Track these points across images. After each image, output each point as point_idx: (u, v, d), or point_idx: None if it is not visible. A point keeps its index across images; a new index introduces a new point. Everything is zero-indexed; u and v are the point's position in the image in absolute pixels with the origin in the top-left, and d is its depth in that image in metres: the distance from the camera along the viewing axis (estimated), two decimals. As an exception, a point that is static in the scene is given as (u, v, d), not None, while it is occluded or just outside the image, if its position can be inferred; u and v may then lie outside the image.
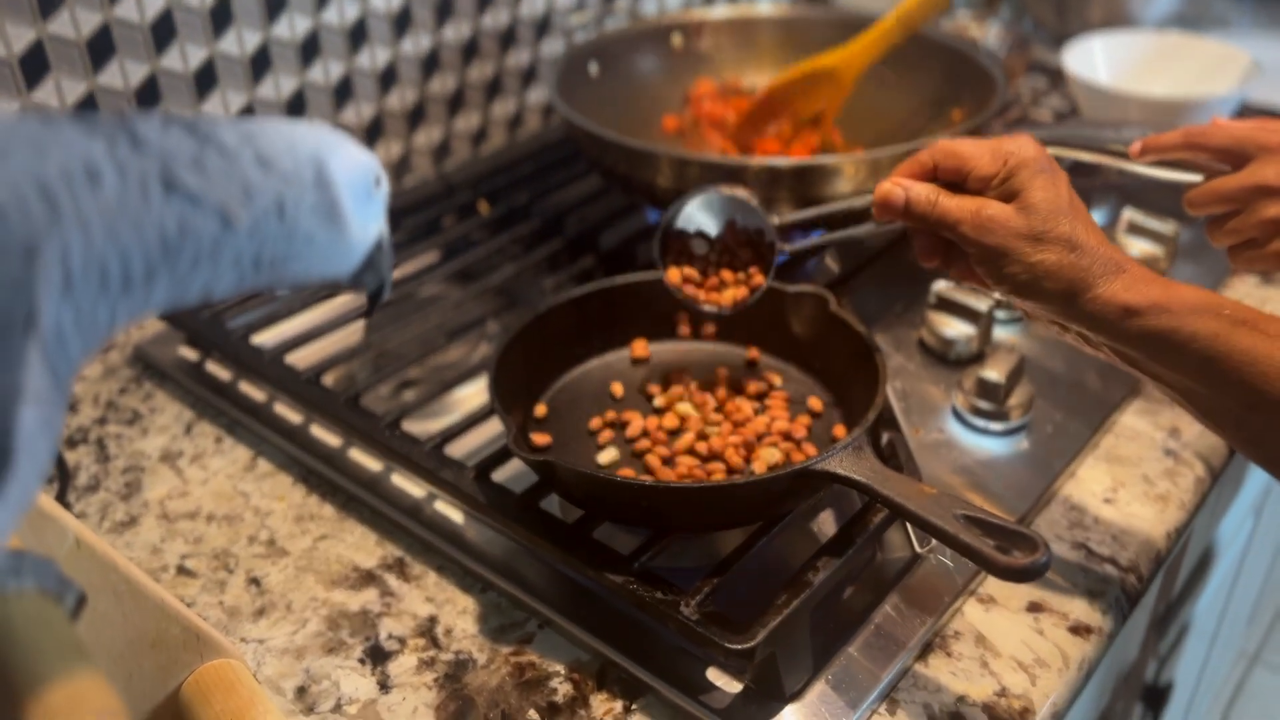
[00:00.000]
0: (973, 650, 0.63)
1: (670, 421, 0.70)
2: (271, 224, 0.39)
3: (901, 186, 0.62)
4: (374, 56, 1.06)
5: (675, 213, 0.72)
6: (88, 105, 0.87)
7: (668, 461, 0.67)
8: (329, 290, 0.86)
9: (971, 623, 0.65)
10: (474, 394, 0.81)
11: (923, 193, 0.61)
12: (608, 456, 0.68)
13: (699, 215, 0.73)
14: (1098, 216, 1.04)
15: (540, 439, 0.69)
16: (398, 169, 1.13)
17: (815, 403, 0.72)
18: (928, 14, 0.98)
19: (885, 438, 0.70)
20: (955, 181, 0.62)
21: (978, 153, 0.61)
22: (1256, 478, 1.08)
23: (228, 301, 0.84)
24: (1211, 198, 0.69)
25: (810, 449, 0.68)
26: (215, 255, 0.38)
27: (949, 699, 0.60)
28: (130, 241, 0.35)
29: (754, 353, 0.76)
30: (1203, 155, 0.69)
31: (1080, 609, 0.66)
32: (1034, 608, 0.66)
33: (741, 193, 0.72)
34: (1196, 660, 1.24)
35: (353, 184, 0.42)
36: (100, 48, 0.86)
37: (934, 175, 0.63)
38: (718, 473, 0.66)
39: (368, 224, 0.44)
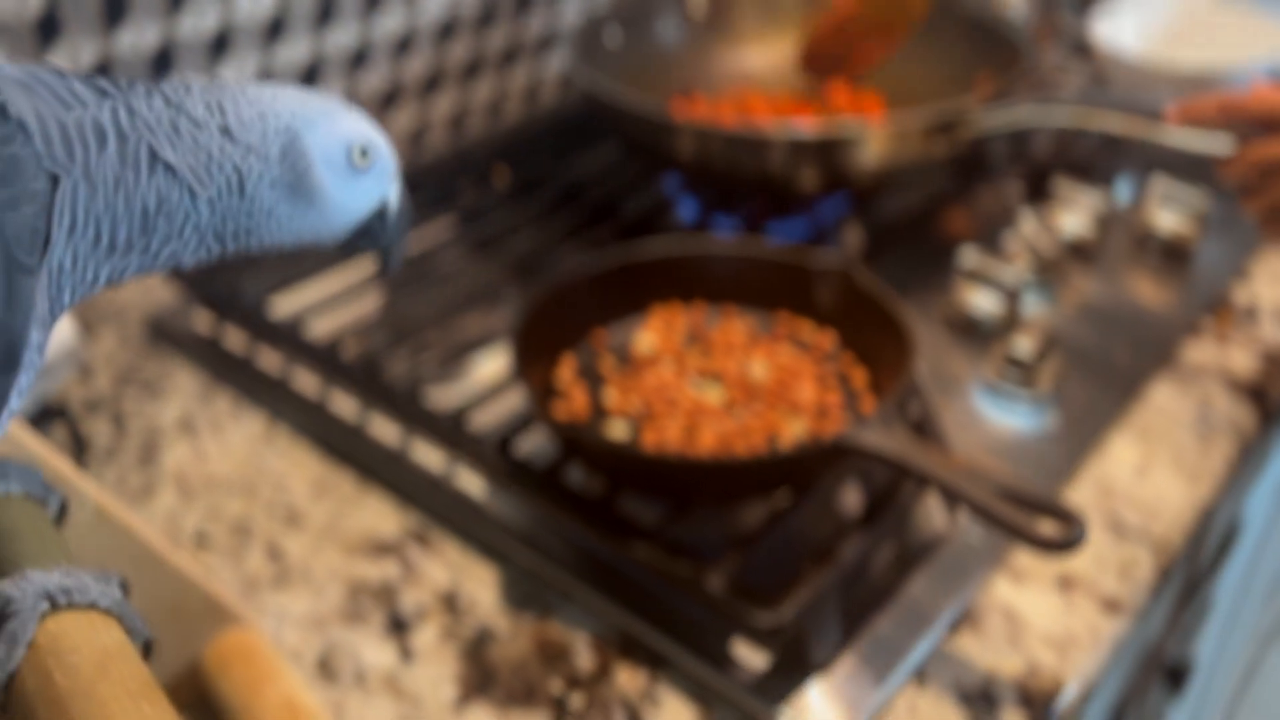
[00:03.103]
0: (1002, 626, 0.62)
1: (694, 392, 0.69)
2: (232, 198, 0.40)
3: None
4: (388, 24, 1.04)
5: None
6: (101, 69, 0.86)
7: (691, 433, 0.66)
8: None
9: (1001, 598, 0.64)
10: (493, 363, 0.80)
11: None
12: (628, 427, 0.67)
13: None
14: (1123, 184, 1.02)
15: (561, 409, 0.68)
16: (414, 139, 1.11)
17: (843, 375, 0.71)
18: None
19: (915, 411, 0.69)
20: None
21: None
22: (1282, 454, 1.06)
23: (243, 268, 0.83)
24: (1246, 167, 0.67)
25: (838, 421, 0.67)
26: (183, 231, 0.39)
27: (978, 675, 0.60)
28: (120, 211, 0.37)
29: (782, 320, 0.75)
30: (1240, 122, 0.67)
31: (1110, 585, 0.65)
32: (1064, 583, 0.65)
33: None
34: (1215, 638, 1.23)
35: (329, 156, 0.42)
36: (116, 10, 0.85)
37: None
38: (742, 445, 0.65)
39: (353, 196, 0.43)
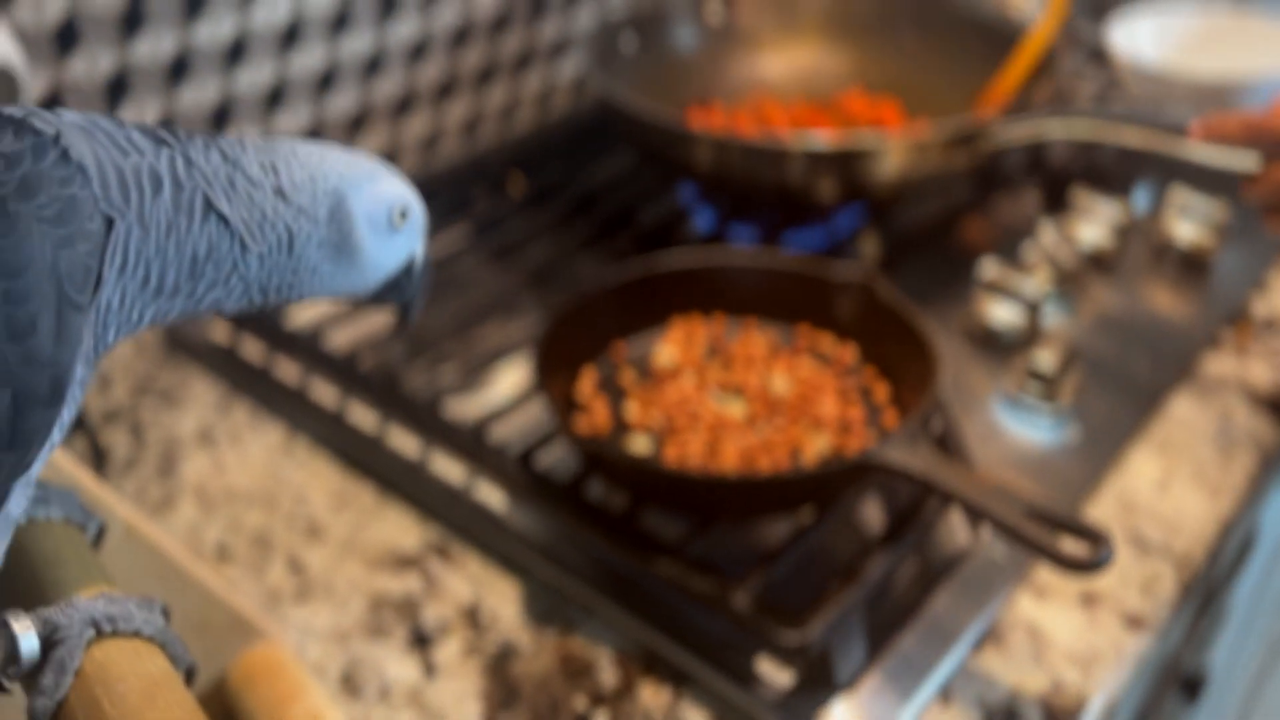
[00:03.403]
0: (1026, 642, 0.62)
1: (716, 406, 0.69)
2: (281, 255, 0.41)
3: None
4: (401, 30, 1.04)
5: None
6: (118, 78, 0.86)
7: (714, 448, 0.66)
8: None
9: (1024, 614, 0.64)
10: (512, 374, 0.79)
11: None
12: (650, 442, 0.67)
13: None
14: (1141, 195, 1.02)
15: (583, 423, 0.68)
16: (427, 145, 1.11)
17: (865, 389, 0.71)
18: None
19: (937, 426, 0.69)
20: None
21: None
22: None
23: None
24: (1272, 189, 0.67)
25: (861, 436, 0.67)
26: (228, 279, 0.40)
27: (1002, 692, 0.60)
28: (170, 255, 0.38)
29: (803, 333, 0.75)
30: (1266, 142, 0.67)
31: (1133, 600, 0.65)
32: (1087, 599, 0.65)
33: None
34: (1228, 647, 1.23)
35: (372, 217, 0.44)
36: (133, 19, 0.85)
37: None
38: (766, 460, 0.65)
39: (388, 253, 0.45)
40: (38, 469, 0.35)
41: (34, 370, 0.33)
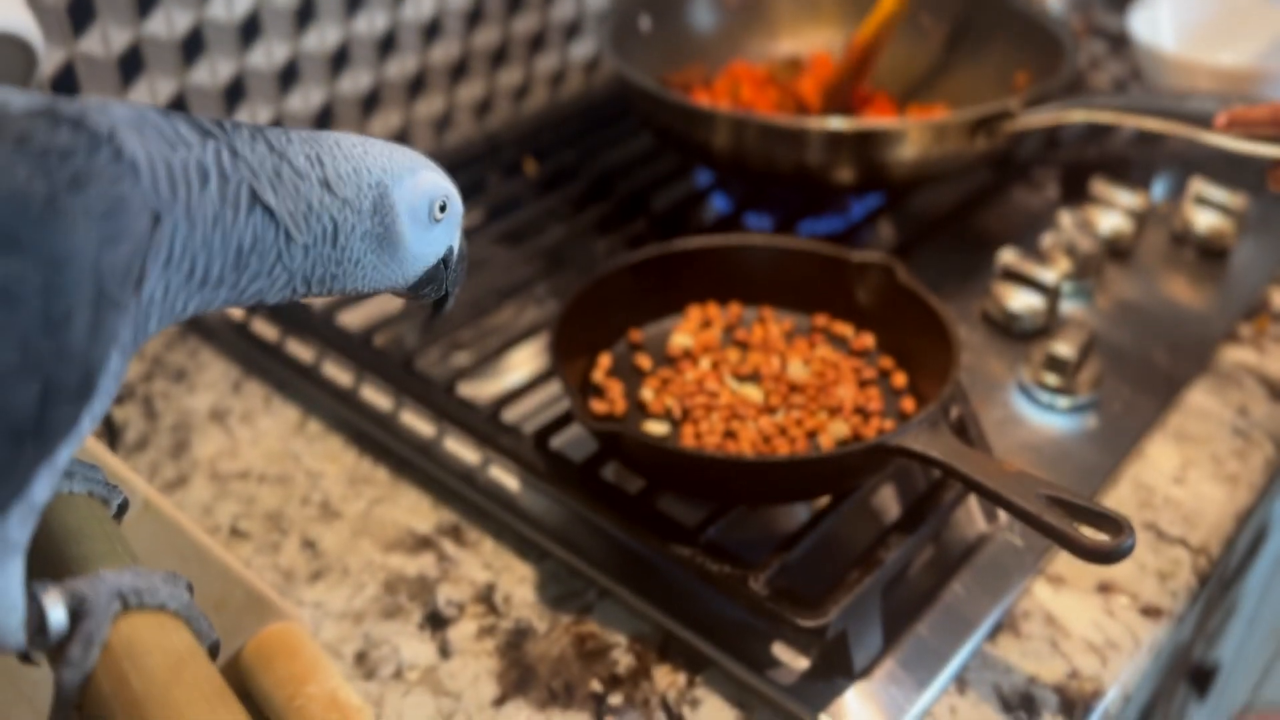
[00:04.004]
0: (1042, 630, 0.62)
1: (733, 392, 0.69)
2: (325, 247, 0.41)
3: None
4: (419, 7, 1.03)
5: None
6: (133, 51, 0.85)
7: (731, 433, 0.66)
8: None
9: (1041, 603, 0.63)
10: (526, 357, 0.79)
11: None
12: (667, 426, 0.67)
13: None
14: (1160, 185, 1.01)
15: (599, 406, 0.68)
16: (439, 125, 1.10)
17: (883, 375, 0.71)
18: None
19: (955, 413, 0.69)
20: None
21: None
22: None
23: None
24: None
25: (879, 423, 0.66)
26: (272, 270, 0.40)
27: (1019, 680, 0.59)
28: (216, 247, 0.38)
29: (820, 322, 0.75)
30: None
31: (1151, 590, 0.64)
32: (1104, 588, 0.64)
33: None
34: (1237, 639, 1.23)
35: (414, 209, 0.44)
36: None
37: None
38: (783, 446, 0.65)
39: (427, 245, 0.46)
40: (65, 457, 0.35)
41: (66, 364, 0.33)
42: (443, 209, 0.45)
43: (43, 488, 0.34)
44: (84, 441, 0.49)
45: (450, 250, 0.47)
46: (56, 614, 0.35)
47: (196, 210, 0.37)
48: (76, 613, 0.35)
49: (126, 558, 0.39)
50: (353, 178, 0.41)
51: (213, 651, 0.39)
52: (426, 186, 0.44)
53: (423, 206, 0.44)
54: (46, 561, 0.38)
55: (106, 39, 0.83)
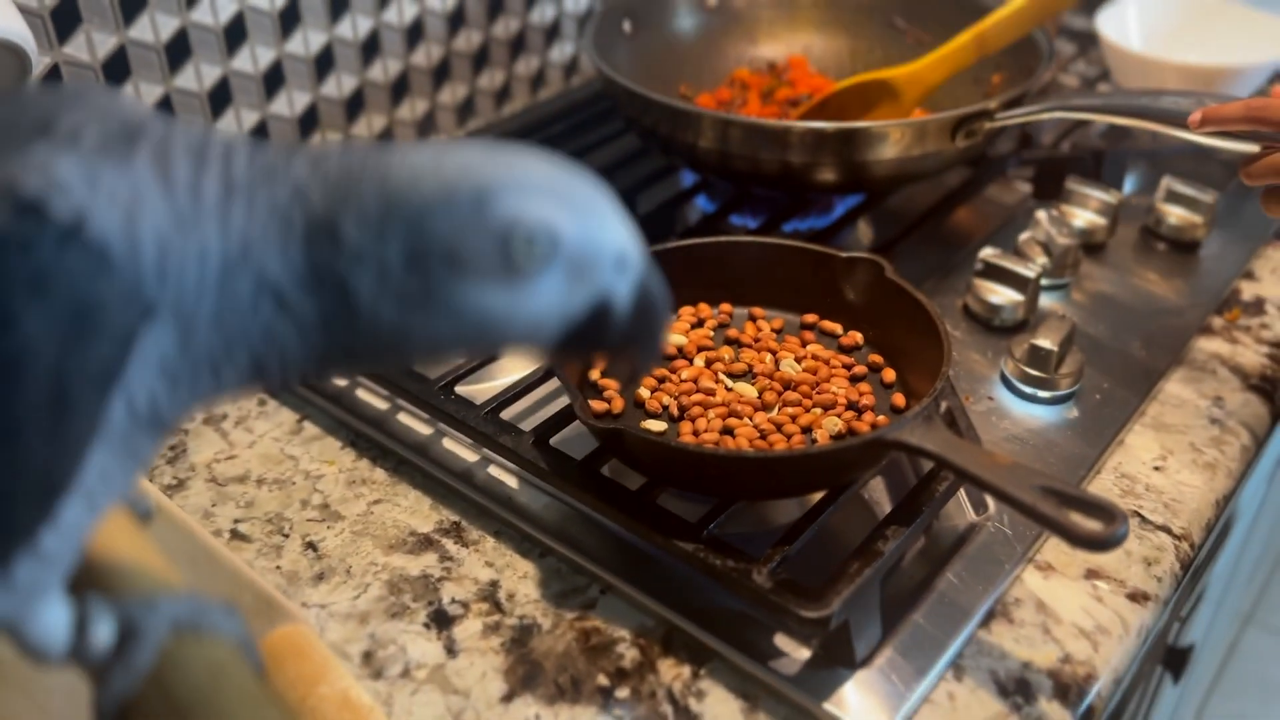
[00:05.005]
0: (1034, 617, 0.64)
1: (728, 388, 0.70)
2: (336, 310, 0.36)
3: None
4: (402, 11, 1.03)
5: None
6: (118, 56, 0.85)
7: (728, 431, 0.67)
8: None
9: (1032, 590, 0.65)
10: (518, 361, 0.80)
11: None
12: (666, 424, 0.68)
13: None
14: (1131, 182, 1.04)
15: (597, 405, 0.69)
16: (423, 127, 1.11)
17: (873, 371, 0.72)
18: (1005, 35, 0.92)
19: (944, 406, 0.70)
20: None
21: None
22: (1276, 444, 1.09)
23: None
24: (1270, 170, 0.69)
25: (872, 418, 0.68)
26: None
27: (1014, 665, 0.61)
28: (236, 334, 0.34)
29: (810, 319, 0.76)
30: (1266, 127, 0.69)
31: (1137, 576, 0.66)
32: (1091, 575, 0.66)
33: None
34: (1204, 623, 1.26)
35: (475, 255, 0.35)
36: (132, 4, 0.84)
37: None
38: (779, 441, 0.66)
39: (518, 304, 0.36)
40: (57, 550, 0.32)
41: (17, 474, 0.30)
42: (533, 246, 0.34)
43: (51, 540, 0.32)
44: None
45: (601, 302, 0.37)
46: (103, 631, 0.35)
47: (202, 296, 0.32)
48: (126, 634, 0.35)
49: (158, 570, 0.39)
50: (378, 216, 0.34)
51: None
52: (498, 221, 0.34)
53: (485, 248, 0.34)
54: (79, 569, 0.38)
55: (91, 44, 0.83)
